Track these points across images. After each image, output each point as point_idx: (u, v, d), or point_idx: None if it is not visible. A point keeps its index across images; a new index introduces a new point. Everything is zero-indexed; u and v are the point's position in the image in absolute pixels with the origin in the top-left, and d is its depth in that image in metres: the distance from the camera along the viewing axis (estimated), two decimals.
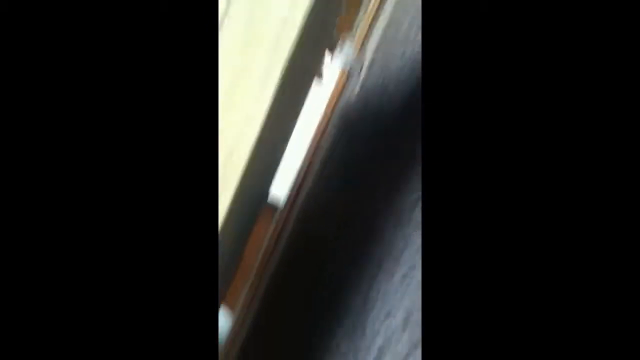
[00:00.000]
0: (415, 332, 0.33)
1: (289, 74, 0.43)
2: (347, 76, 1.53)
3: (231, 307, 1.84)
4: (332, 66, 1.63)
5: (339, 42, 1.60)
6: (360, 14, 1.60)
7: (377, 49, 1.11)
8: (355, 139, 0.90)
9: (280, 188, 1.76)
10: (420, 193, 0.42)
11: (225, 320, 1.65)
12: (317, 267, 0.75)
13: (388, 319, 0.39)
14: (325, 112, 1.59)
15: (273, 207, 1.78)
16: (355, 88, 1.24)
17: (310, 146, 1.69)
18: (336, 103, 1.54)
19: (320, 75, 1.53)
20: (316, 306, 0.63)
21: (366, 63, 1.23)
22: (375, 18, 1.42)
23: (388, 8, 1.22)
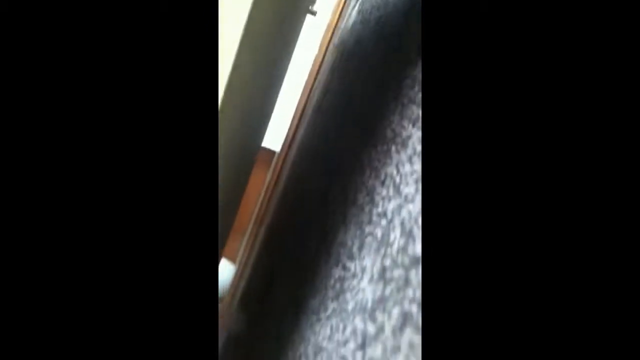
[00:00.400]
0: (414, 248, 0.28)
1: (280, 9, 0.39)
2: (343, 4, 1.40)
3: (231, 257, 1.84)
4: None
5: None
6: None
7: None
8: (352, 72, 0.82)
9: (277, 131, 1.68)
10: (420, 124, 0.36)
11: (226, 271, 1.65)
12: (315, 208, 0.70)
13: (388, 247, 0.34)
14: (321, 46, 1.48)
15: (270, 152, 1.72)
16: (352, 14, 1.13)
17: (306, 85, 1.60)
18: (332, 36, 1.43)
19: (313, 10, 1.40)
20: (315, 251, 0.58)
21: None
22: None
23: None
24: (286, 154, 1.53)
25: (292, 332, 0.53)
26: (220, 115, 0.38)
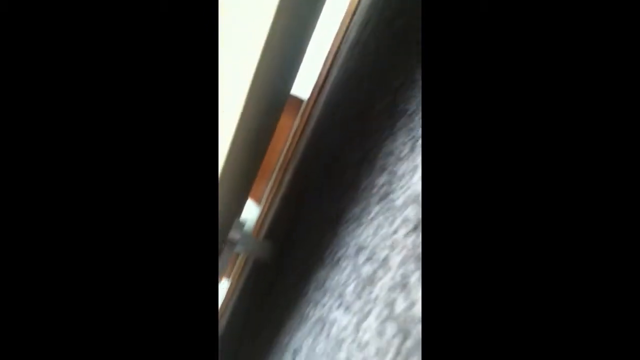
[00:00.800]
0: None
1: None
2: None
3: (256, 199, 1.88)
4: None
5: None
6: None
7: None
8: (382, 24, 0.79)
9: (306, 79, 1.66)
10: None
11: (251, 212, 1.68)
12: (338, 155, 0.70)
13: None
14: None
15: (298, 100, 1.71)
16: None
17: (337, 34, 1.56)
18: None
19: None
20: (358, 163, 0.59)
21: None
22: None
23: None
24: (315, 102, 1.52)
25: (328, 244, 0.54)
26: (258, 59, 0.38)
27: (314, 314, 0.47)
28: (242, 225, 0.90)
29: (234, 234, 0.87)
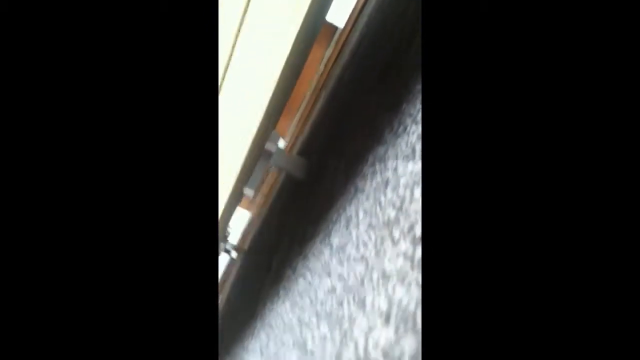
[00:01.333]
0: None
1: None
2: None
3: (282, 133, 1.93)
4: None
5: None
6: None
7: None
8: None
9: (341, 7, 1.64)
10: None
11: (278, 145, 1.75)
12: (375, 87, 0.74)
13: None
14: None
15: (332, 27, 1.70)
16: None
17: None
18: None
19: None
20: (368, 129, 0.64)
21: None
22: None
23: None
24: (350, 31, 1.52)
25: (367, 157, 0.61)
26: None
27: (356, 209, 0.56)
28: (277, 137, 0.97)
29: (270, 146, 0.94)
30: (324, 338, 0.46)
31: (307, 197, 0.90)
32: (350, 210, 0.57)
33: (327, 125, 1.03)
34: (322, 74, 1.46)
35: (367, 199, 0.53)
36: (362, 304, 0.39)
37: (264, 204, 1.25)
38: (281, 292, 0.73)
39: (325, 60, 1.51)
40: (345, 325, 0.41)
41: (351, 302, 0.43)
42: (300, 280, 0.65)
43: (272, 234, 1.10)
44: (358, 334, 0.36)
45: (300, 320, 0.57)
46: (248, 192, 1.21)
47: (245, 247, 1.24)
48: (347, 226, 0.55)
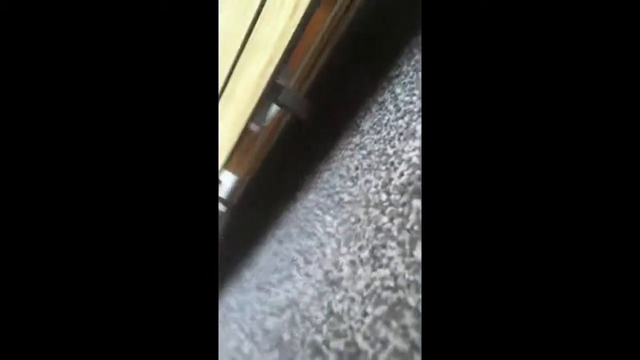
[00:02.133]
0: None
1: None
2: None
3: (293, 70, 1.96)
4: None
5: None
6: None
7: None
8: None
9: None
10: None
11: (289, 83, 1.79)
12: (376, 49, 0.83)
13: None
14: None
15: None
16: None
17: None
18: None
19: None
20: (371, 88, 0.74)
21: None
22: None
23: None
24: None
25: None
26: None
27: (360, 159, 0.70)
28: (290, 74, 1.02)
29: (281, 80, 1.00)
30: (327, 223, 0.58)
31: (310, 138, 0.99)
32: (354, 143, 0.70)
33: (332, 72, 1.12)
34: (334, 18, 1.52)
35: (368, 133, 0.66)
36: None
37: (268, 140, 1.39)
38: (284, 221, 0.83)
39: (334, 12, 1.57)
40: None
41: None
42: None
43: (276, 169, 1.20)
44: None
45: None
46: (254, 127, 1.31)
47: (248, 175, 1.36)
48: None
